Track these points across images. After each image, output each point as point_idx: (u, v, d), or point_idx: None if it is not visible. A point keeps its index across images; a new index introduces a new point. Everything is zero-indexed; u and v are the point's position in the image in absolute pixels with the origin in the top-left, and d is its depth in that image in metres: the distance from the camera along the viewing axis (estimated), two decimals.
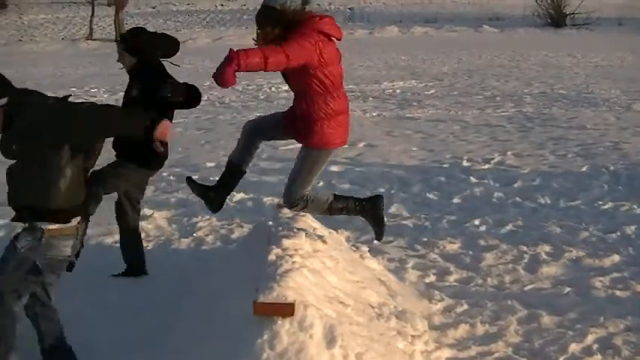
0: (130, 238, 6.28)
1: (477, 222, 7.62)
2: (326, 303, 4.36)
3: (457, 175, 9.53)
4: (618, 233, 7.21)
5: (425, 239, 7.16)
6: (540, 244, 6.92)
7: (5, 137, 4.32)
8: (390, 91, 18.04)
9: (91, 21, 41.29)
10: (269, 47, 4.79)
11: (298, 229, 5.25)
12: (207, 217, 7.70)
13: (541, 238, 7.11)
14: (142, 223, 7.61)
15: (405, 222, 7.73)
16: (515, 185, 9.03)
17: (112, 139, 5.67)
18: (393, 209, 8.11)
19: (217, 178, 5.58)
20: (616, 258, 6.56)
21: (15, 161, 4.31)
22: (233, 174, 5.55)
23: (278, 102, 15.69)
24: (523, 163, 10.11)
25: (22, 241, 4.32)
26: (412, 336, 4.74)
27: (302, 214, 5.67)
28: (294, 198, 5.27)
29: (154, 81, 5.87)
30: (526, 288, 6.00)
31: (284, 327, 3.96)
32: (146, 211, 7.96)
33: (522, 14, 42.57)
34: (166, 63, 6.16)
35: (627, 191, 8.64)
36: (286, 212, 5.69)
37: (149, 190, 8.95)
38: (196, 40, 36.91)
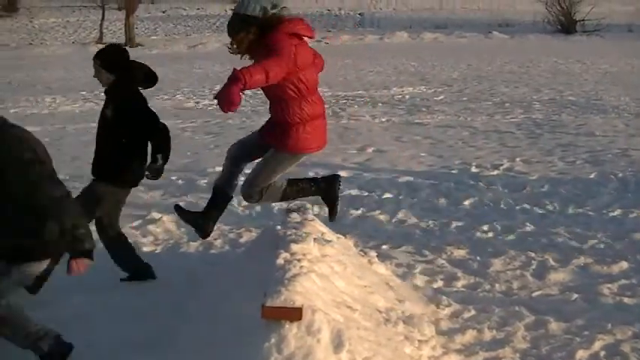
0: (116, 249, 6.18)
1: (485, 228, 7.61)
2: (334, 307, 4.37)
3: (466, 181, 9.53)
4: (626, 240, 7.20)
5: (433, 245, 7.16)
6: (548, 251, 6.90)
7: None
8: (400, 96, 18.05)
9: (101, 25, 41.53)
10: (266, 62, 4.87)
11: (307, 233, 5.26)
12: None
13: (549, 245, 7.11)
14: (151, 227, 7.66)
15: (413, 227, 7.74)
16: (524, 191, 9.03)
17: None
18: (401, 215, 8.12)
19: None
20: (624, 265, 6.54)
21: None
22: (220, 200, 5.71)
23: None
24: (532, 170, 10.11)
25: None
26: (419, 341, 4.74)
27: (310, 218, 5.71)
28: (251, 192, 5.44)
29: (130, 104, 5.80)
30: (534, 294, 5.99)
31: (292, 331, 3.97)
32: (154, 214, 8.00)
33: (532, 20, 42.58)
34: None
35: (636, 198, 8.62)
36: (295, 217, 5.71)
37: (158, 194, 9.02)
38: (206, 45, 37.06)
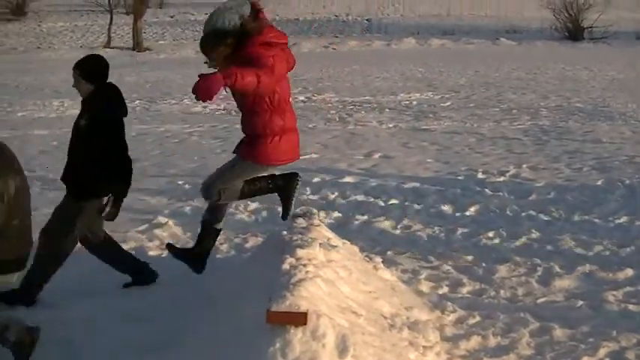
0: (107, 254, 6.18)
1: (490, 234, 7.61)
2: (339, 313, 4.38)
3: (472, 188, 9.53)
4: (632, 247, 7.18)
5: (439, 251, 7.16)
6: (554, 257, 6.90)
7: None
8: (407, 102, 18.07)
9: (109, 29, 41.67)
10: (261, 69, 4.91)
11: (312, 239, 5.27)
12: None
13: (555, 252, 7.10)
14: (157, 231, 7.67)
15: (419, 233, 7.74)
16: (530, 198, 9.02)
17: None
18: (407, 220, 8.13)
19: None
20: (629, 272, 6.53)
21: None
22: (208, 234, 5.88)
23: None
24: (538, 176, 10.10)
25: None
26: (424, 347, 4.74)
27: (316, 223, 5.74)
28: (211, 192, 5.56)
29: (106, 114, 5.77)
30: (539, 301, 5.98)
31: (297, 336, 3.98)
32: (161, 219, 8.02)
33: (540, 27, 42.62)
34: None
35: None
36: (301, 222, 5.74)
37: (164, 199, 9.04)
38: None
